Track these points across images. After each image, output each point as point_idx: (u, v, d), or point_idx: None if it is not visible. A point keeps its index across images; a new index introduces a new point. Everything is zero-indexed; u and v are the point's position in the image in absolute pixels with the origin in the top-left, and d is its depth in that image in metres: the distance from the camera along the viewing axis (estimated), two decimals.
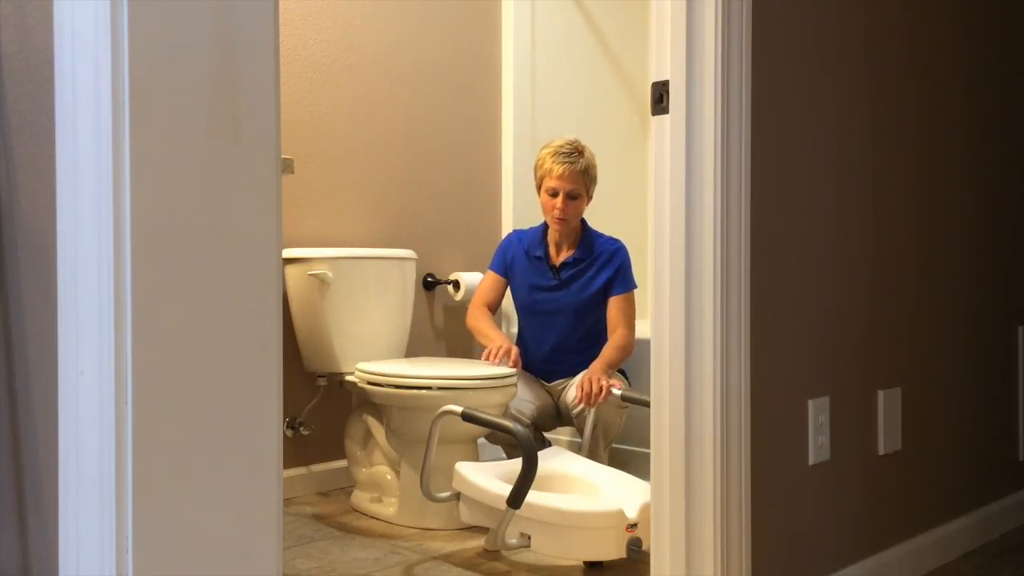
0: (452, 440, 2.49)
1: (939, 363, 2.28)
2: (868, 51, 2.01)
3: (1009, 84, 2.56)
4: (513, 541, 2.17)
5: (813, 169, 1.87)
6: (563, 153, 2.86)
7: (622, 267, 2.91)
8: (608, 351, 2.83)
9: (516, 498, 2.11)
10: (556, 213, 2.85)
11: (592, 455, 2.70)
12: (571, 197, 2.85)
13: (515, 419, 2.67)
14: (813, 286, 1.87)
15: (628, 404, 2.69)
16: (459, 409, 2.29)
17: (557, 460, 2.46)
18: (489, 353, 2.80)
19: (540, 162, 2.91)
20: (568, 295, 2.91)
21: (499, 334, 2.92)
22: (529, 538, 2.15)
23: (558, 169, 2.84)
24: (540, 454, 2.48)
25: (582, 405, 2.72)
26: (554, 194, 2.85)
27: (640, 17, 3.80)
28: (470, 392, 2.50)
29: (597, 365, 2.77)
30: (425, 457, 2.35)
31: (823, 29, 1.88)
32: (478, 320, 2.98)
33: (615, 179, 3.68)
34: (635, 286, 2.93)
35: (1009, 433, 2.58)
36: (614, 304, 2.90)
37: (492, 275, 3.05)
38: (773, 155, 1.75)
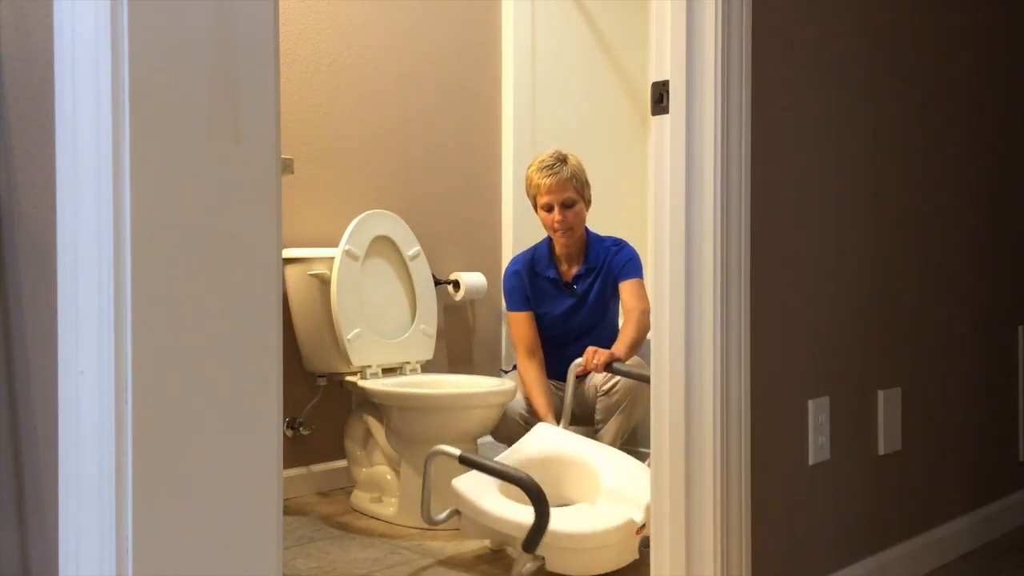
0: (452, 440, 2.49)
1: (939, 363, 2.28)
2: (870, 50, 2.01)
3: (1013, 83, 2.56)
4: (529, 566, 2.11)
5: (814, 169, 1.87)
6: (547, 166, 2.84)
7: (631, 260, 2.90)
8: (627, 332, 2.76)
9: (531, 543, 2.05)
10: (556, 225, 2.84)
11: (608, 437, 2.70)
12: (566, 206, 2.84)
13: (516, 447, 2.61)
14: (813, 286, 1.87)
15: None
16: (456, 452, 2.20)
17: (550, 440, 2.45)
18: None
19: (529, 181, 2.89)
20: (587, 307, 2.92)
21: (546, 403, 2.78)
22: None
23: (545, 183, 2.82)
24: (531, 432, 2.49)
25: (613, 381, 2.69)
26: (549, 208, 2.84)
27: (640, 17, 3.80)
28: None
29: (618, 346, 2.71)
30: (423, 488, 2.28)
31: (824, 28, 1.88)
32: (528, 374, 2.85)
33: (615, 179, 3.68)
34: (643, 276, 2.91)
35: (1009, 433, 2.58)
36: (626, 288, 2.87)
37: (516, 316, 2.92)
38: (773, 155, 1.75)
